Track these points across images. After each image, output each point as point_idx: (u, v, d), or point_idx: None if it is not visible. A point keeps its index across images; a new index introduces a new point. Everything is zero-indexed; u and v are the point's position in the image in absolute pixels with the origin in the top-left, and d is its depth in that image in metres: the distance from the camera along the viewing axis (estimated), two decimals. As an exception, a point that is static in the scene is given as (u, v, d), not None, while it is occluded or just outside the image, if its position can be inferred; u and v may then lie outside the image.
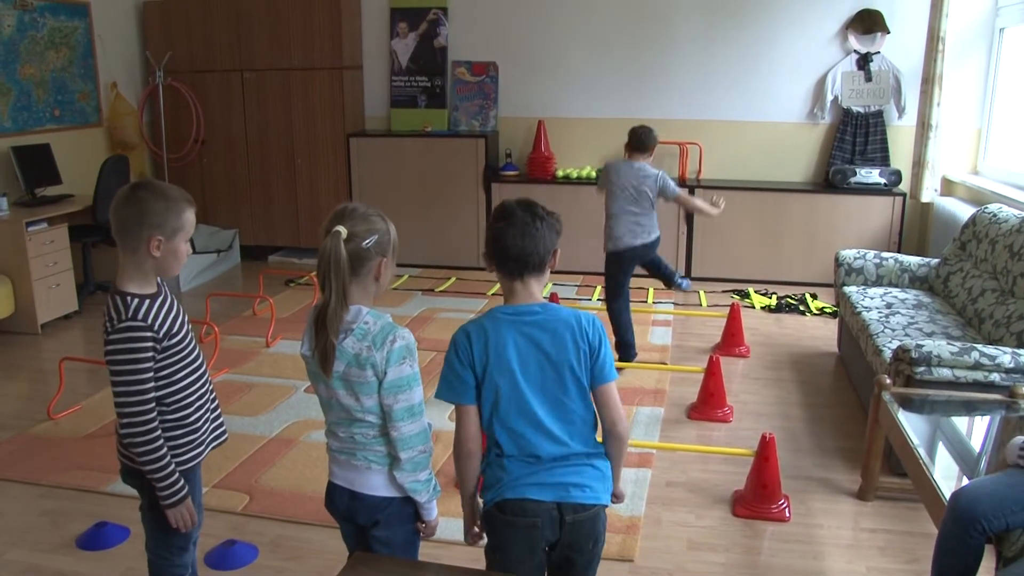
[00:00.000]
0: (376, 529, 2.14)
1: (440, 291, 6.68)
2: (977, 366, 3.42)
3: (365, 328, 2.04)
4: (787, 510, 3.38)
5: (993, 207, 4.75)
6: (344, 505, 2.17)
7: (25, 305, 5.59)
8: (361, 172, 7.41)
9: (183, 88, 7.47)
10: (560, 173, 7.24)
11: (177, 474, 2.18)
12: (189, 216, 2.17)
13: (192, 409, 2.24)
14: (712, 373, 4.33)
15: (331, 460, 2.20)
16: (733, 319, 5.30)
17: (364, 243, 2.02)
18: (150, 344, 2.10)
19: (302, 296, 6.47)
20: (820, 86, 6.91)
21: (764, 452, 3.36)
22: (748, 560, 3.09)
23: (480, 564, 3.01)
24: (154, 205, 2.10)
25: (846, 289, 4.96)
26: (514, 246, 2.03)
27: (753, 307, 6.24)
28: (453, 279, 7.03)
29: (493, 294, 6.54)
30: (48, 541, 3.21)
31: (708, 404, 4.34)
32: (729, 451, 3.84)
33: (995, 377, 3.41)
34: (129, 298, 2.11)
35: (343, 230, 2.01)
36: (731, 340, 5.29)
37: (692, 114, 7.10)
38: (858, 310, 4.52)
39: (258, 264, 7.64)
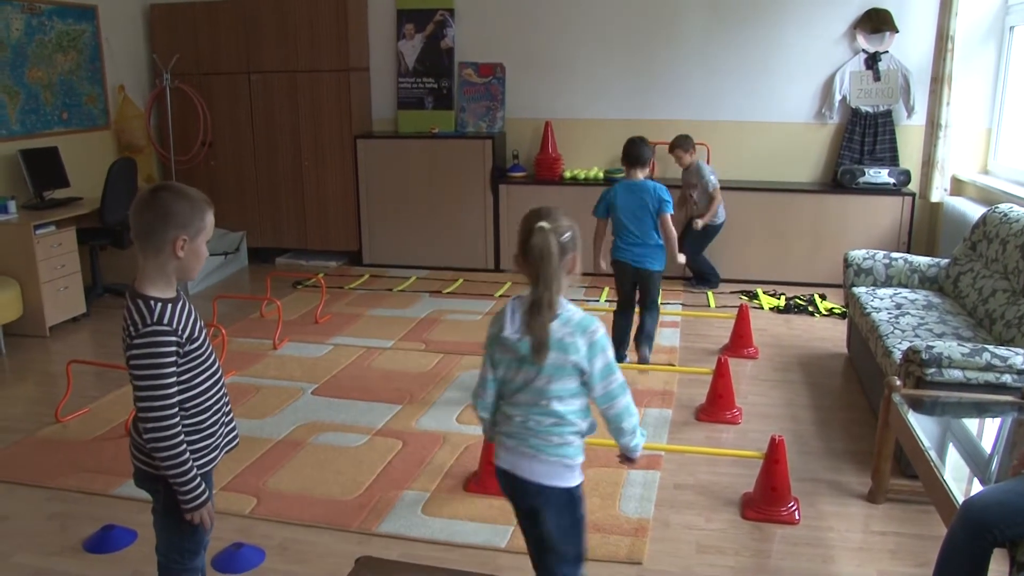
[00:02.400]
0: (541, 515, 2.25)
1: (448, 293, 6.67)
2: (988, 367, 3.40)
3: (568, 315, 2.19)
4: (796, 513, 3.36)
5: (1004, 207, 4.72)
6: (508, 488, 2.29)
7: (33, 308, 5.60)
8: (368, 174, 7.41)
9: (190, 91, 7.48)
10: (567, 174, 7.22)
11: (199, 478, 2.19)
12: (210, 217, 2.19)
13: (209, 414, 2.24)
14: (720, 375, 4.31)
15: (498, 444, 2.31)
16: (741, 320, 5.27)
17: (563, 238, 2.21)
18: (174, 348, 2.10)
19: (309, 298, 6.47)
20: (828, 86, 6.88)
21: (773, 454, 3.34)
22: (757, 563, 3.07)
23: (489, 568, 3.00)
24: (177, 206, 2.10)
25: (855, 290, 4.93)
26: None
27: (762, 308, 6.22)
28: (460, 280, 7.02)
29: (500, 296, 6.53)
30: (55, 544, 3.21)
31: (717, 406, 4.32)
32: (738, 453, 3.82)
33: (1006, 379, 3.39)
34: (152, 302, 2.10)
35: (547, 225, 2.19)
36: (739, 341, 5.26)
37: (700, 115, 7.08)
38: (867, 311, 4.49)
39: (265, 266, 7.64)
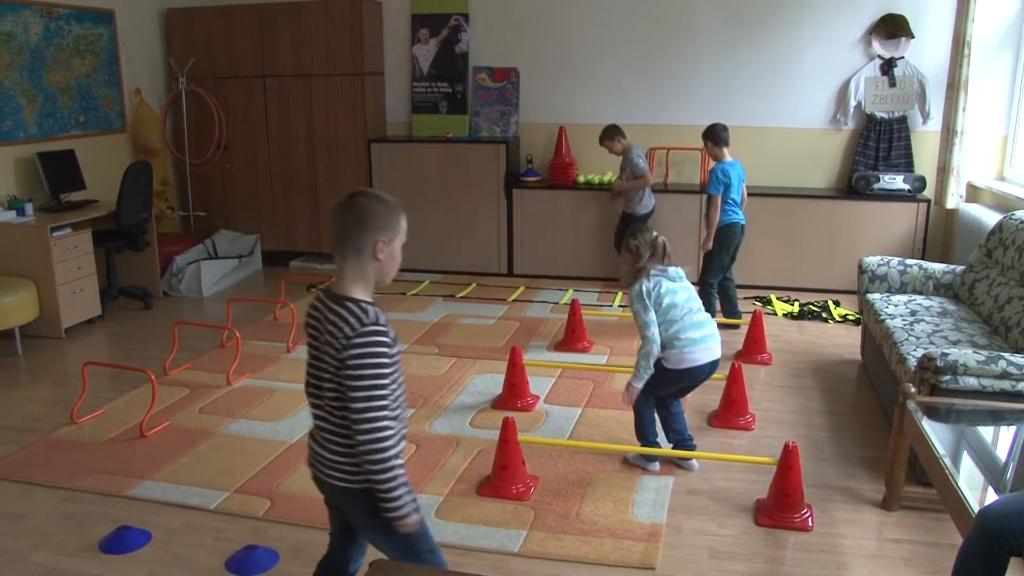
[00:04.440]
0: None
1: (460, 297, 6.67)
2: (1004, 375, 3.38)
3: None
4: (810, 519, 3.35)
5: (1020, 213, 4.69)
6: None
7: (49, 309, 5.64)
8: (382, 178, 7.43)
9: (206, 94, 7.52)
10: (581, 179, 7.22)
11: (407, 484, 2.12)
12: (404, 221, 2.20)
13: (396, 419, 2.14)
14: (734, 380, 4.30)
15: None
16: (755, 326, 5.26)
17: None
18: (389, 350, 2.09)
19: (323, 301, 6.48)
20: (843, 92, 6.86)
21: (787, 461, 3.33)
22: (770, 570, 3.06)
23: (502, 572, 3.01)
24: (375, 209, 2.14)
25: (870, 296, 4.91)
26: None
27: (775, 314, 6.20)
28: (473, 285, 7.03)
29: (514, 300, 6.54)
30: (71, 544, 3.23)
31: (730, 412, 4.31)
32: (751, 459, 3.80)
33: (1022, 386, 3.37)
34: (364, 304, 2.10)
35: None
36: (753, 347, 5.25)
37: (714, 120, 7.03)
38: (882, 317, 4.48)
39: (279, 270, 7.67)
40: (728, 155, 5.61)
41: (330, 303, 2.12)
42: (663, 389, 3.77)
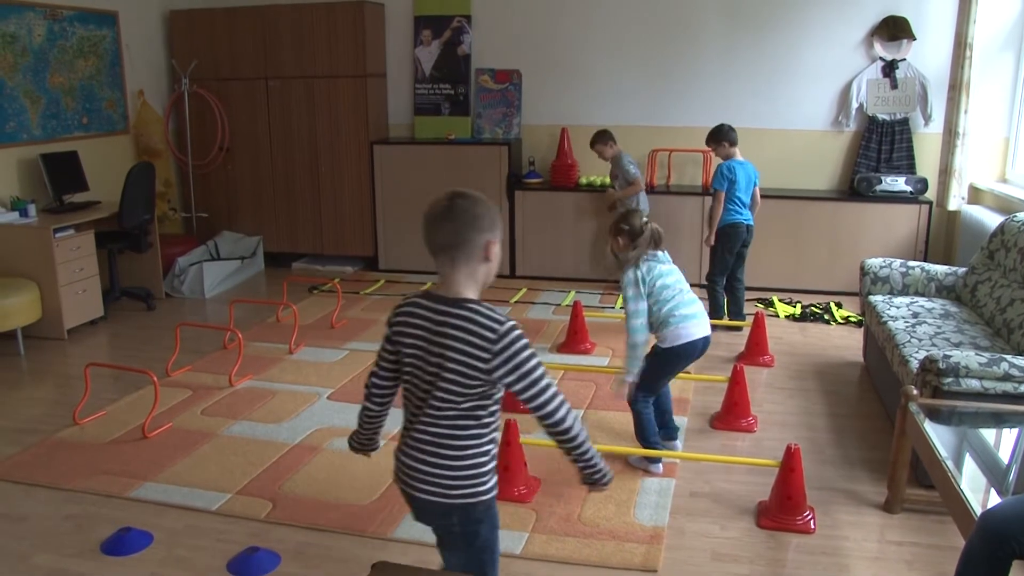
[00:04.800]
0: None
1: (462, 298, 6.66)
2: (1006, 377, 3.38)
3: None
4: (812, 522, 3.35)
5: (1022, 215, 4.68)
6: None
7: (52, 310, 5.65)
8: (384, 180, 7.43)
9: (208, 96, 7.53)
10: (583, 180, 7.22)
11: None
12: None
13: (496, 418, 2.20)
14: (736, 382, 4.30)
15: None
16: (757, 328, 5.26)
17: None
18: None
19: (325, 303, 6.49)
20: (845, 94, 6.86)
21: (789, 463, 3.33)
22: (772, 572, 3.06)
23: (504, 574, 3.00)
24: (482, 210, 2.09)
25: (872, 298, 4.91)
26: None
27: (777, 316, 6.20)
28: (475, 286, 7.01)
29: (516, 301, 6.54)
30: (73, 546, 3.23)
31: (732, 414, 4.31)
32: (753, 461, 3.80)
33: (1025, 389, 3.36)
34: (486, 305, 2.07)
35: None
36: (755, 349, 5.25)
37: (716, 121, 6.99)
38: (884, 319, 4.47)
39: (281, 271, 7.68)
40: (738, 154, 5.67)
41: (448, 308, 2.06)
42: (660, 375, 3.81)
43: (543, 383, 2.05)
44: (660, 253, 3.75)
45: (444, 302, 2.08)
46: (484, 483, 2.13)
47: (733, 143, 5.66)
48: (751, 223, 5.68)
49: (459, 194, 2.11)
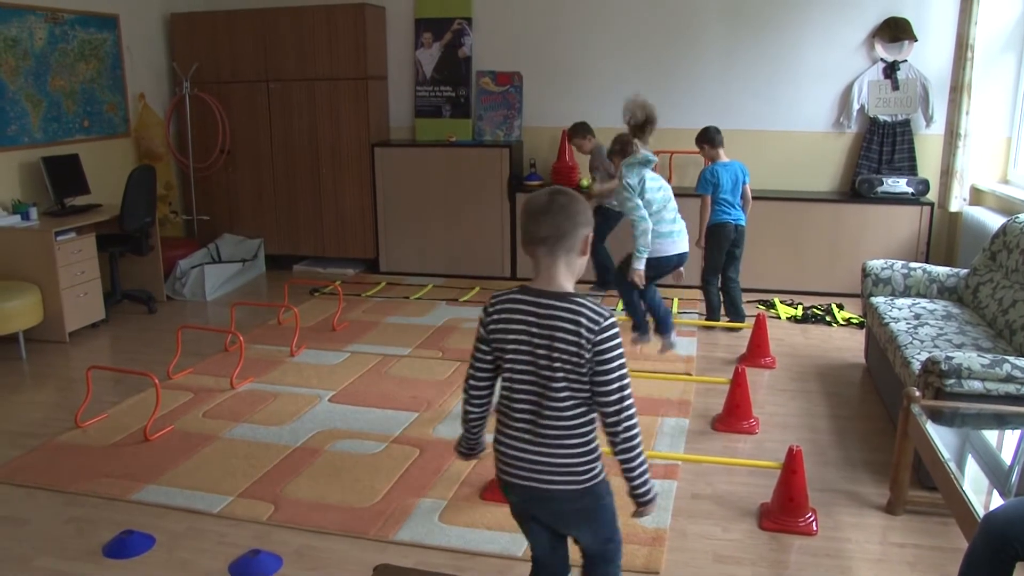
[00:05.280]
0: None
1: (464, 301, 6.67)
2: (1009, 379, 3.37)
3: None
4: (814, 524, 3.34)
5: (1024, 217, 4.69)
6: None
7: (53, 313, 5.65)
8: (386, 182, 7.44)
9: (209, 99, 7.54)
10: (584, 183, 7.22)
11: None
12: None
13: None
14: (738, 384, 4.30)
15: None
16: (759, 330, 5.25)
17: None
18: None
19: (327, 306, 6.49)
20: (846, 95, 6.86)
21: (791, 465, 3.32)
22: (775, 574, 3.05)
23: (502, 575, 3.00)
24: (577, 206, 2.16)
25: (873, 300, 4.91)
26: None
27: (779, 318, 6.20)
28: (477, 288, 7.03)
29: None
30: (75, 549, 3.23)
31: (734, 416, 4.30)
32: (755, 463, 3.80)
33: (1027, 390, 3.36)
34: (591, 298, 2.14)
35: None
36: (757, 351, 5.24)
37: (717, 123, 7.01)
38: (886, 321, 4.47)
39: (283, 273, 7.68)
40: (723, 156, 5.73)
41: (555, 302, 2.11)
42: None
43: (622, 382, 2.10)
44: (651, 171, 4.73)
45: (549, 296, 2.13)
46: (600, 461, 2.21)
47: (716, 145, 5.73)
48: (740, 223, 5.74)
49: (558, 191, 2.19)
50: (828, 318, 6.14)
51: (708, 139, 5.75)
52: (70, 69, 6.53)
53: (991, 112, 6.53)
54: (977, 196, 6.56)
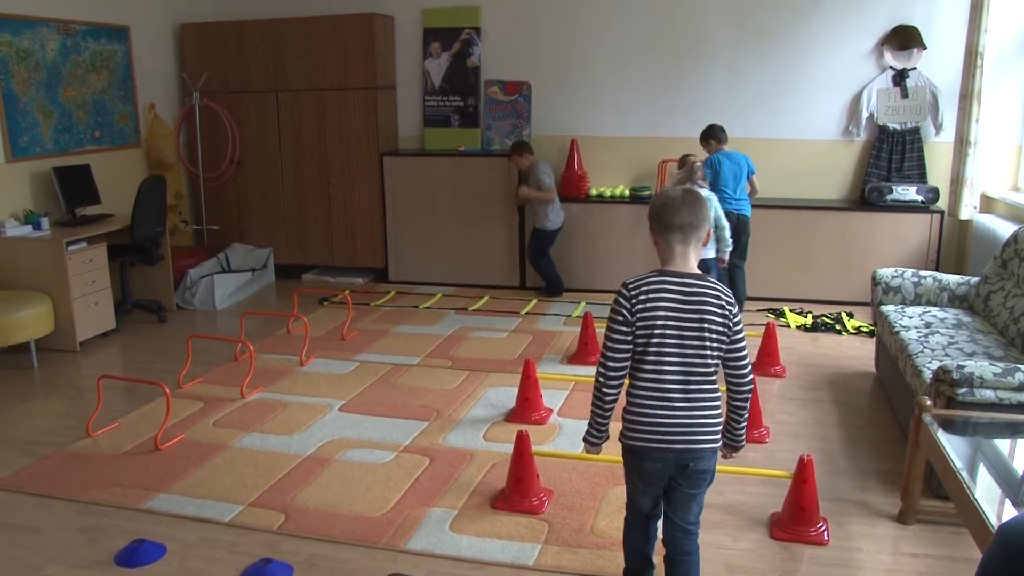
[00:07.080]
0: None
1: (473, 310, 6.68)
2: (1021, 387, 3.36)
3: None
4: (826, 533, 3.33)
5: (1035, 225, 4.67)
6: None
7: (64, 323, 5.68)
8: (395, 191, 7.45)
9: (219, 109, 7.57)
10: (593, 192, 7.23)
11: None
12: None
13: None
14: (748, 393, 4.28)
15: None
16: (768, 338, 5.25)
17: None
18: None
19: (336, 315, 6.51)
20: (855, 103, 6.85)
21: (802, 474, 3.31)
22: (786, 584, 3.04)
23: (515, 585, 2.99)
24: (704, 204, 2.53)
25: (883, 308, 4.89)
26: None
27: (788, 326, 6.18)
28: (486, 298, 7.03)
29: (526, 313, 6.54)
30: (86, 557, 3.24)
31: (744, 424, 4.29)
32: (766, 473, 3.79)
33: (1039, 399, 3.34)
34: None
35: None
36: (767, 360, 5.23)
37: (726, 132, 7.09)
38: (896, 329, 4.46)
39: (292, 283, 7.70)
40: (725, 148, 6.16)
41: (697, 281, 2.47)
42: None
43: (747, 349, 2.57)
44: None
45: (690, 276, 2.48)
46: None
47: (722, 142, 6.13)
48: (743, 212, 6.09)
49: (688, 190, 2.56)
50: (838, 327, 6.12)
51: (713, 136, 6.12)
52: (81, 80, 6.57)
53: (1001, 120, 6.51)
54: (987, 204, 6.54)
